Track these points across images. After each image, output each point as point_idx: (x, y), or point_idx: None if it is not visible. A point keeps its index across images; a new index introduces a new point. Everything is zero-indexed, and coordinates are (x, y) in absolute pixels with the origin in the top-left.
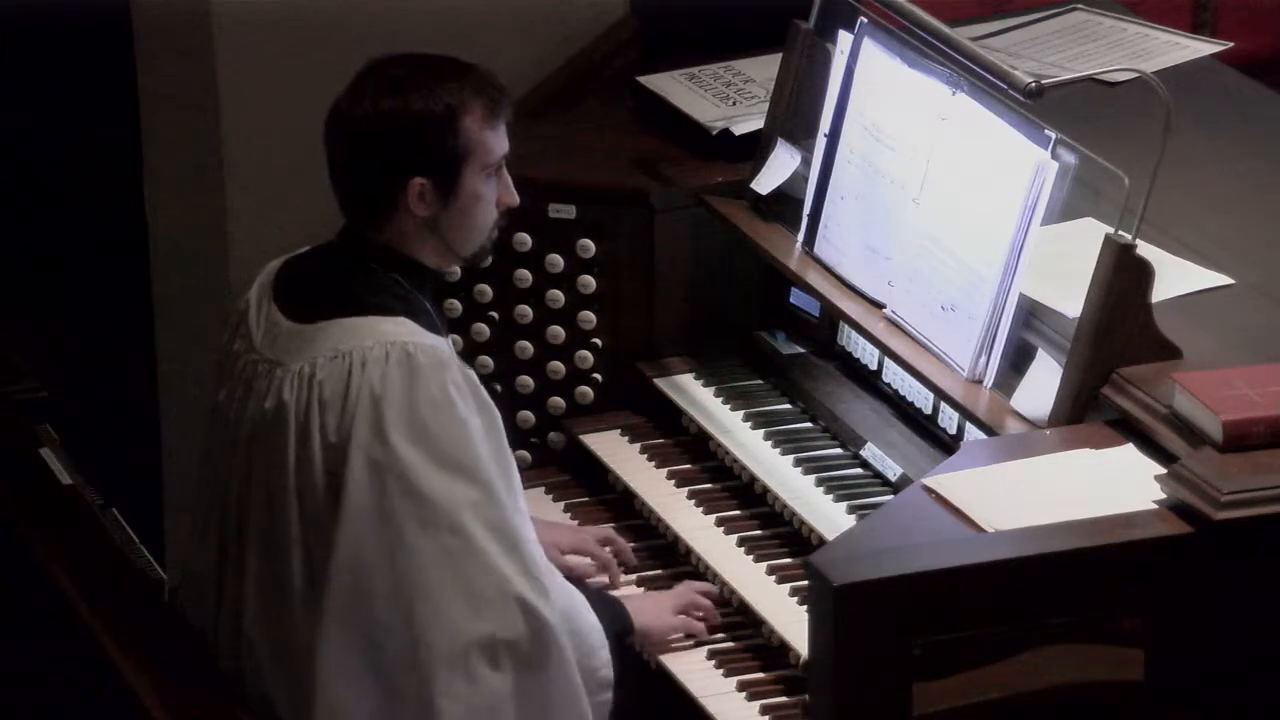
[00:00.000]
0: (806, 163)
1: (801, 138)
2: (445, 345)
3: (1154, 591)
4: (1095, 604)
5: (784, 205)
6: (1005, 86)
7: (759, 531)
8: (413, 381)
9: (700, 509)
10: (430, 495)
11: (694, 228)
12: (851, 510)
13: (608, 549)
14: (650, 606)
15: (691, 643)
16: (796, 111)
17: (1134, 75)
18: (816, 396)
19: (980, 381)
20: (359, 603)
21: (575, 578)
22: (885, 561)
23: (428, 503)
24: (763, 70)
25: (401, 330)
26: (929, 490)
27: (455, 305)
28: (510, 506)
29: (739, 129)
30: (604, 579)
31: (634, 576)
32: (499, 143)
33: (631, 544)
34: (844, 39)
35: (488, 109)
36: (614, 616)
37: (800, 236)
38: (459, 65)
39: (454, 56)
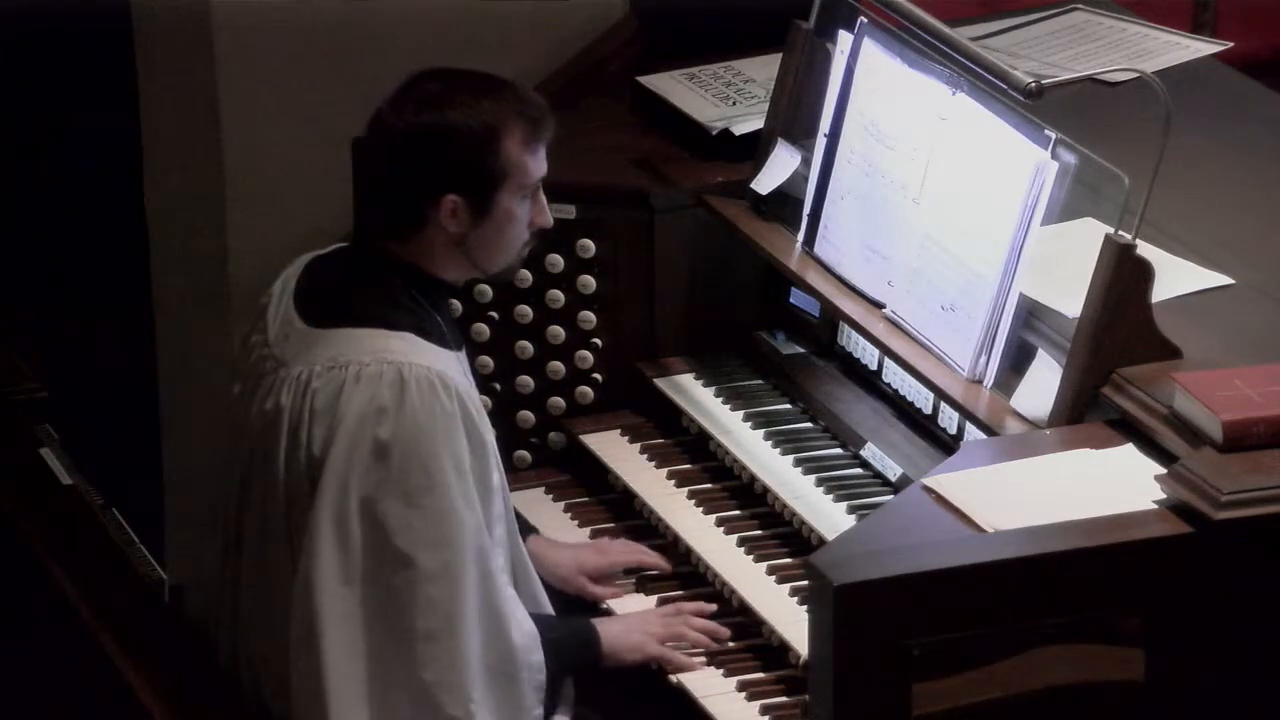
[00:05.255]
0: (806, 163)
1: (801, 138)
2: (451, 362)
3: (1154, 591)
4: (1095, 604)
5: (784, 205)
6: (1005, 86)
7: (759, 531)
8: (400, 404)
9: (700, 509)
10: (388, 526)
11: (694, 228)
12: (851, 510)
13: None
14: (630, 637)
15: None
16: (796, 111)
17: (1134, 75)
18: (816, 396)
19: (980, 381)
20: (312, 618)
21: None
22: (885, 561)
23: (383, 533)
24: (763, 70)
25: (403, 348)
26: (929, 490)
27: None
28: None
29: (739, 129)
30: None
31: (632, 579)
32: (537, 165)
33: None
34: (844, 39)
35: (529, 131)
36: (580, 646)
37: (800, 236)
38: (499, 82)
39: (492, 73)
